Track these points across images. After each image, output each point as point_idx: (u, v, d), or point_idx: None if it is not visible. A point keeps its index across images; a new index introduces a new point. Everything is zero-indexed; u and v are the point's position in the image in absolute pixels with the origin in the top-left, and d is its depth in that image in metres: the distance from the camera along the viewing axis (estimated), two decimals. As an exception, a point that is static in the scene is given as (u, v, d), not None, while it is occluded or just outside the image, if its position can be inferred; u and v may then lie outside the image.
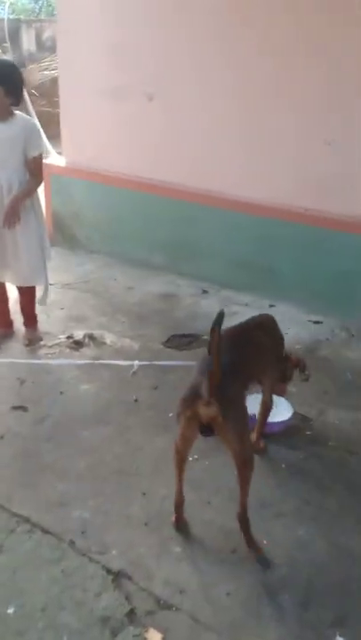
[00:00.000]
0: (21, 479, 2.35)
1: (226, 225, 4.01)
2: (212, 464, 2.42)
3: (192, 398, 1.92)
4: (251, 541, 2.05)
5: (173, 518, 2.16)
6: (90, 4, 4.09)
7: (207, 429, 1.93)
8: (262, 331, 2.41)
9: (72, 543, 2.05)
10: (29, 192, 3.07)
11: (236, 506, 2.03)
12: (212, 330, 1.80)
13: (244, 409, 2.04)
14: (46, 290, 3.40)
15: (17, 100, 2.96)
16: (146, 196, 4.24)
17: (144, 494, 2.31)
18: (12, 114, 2.96)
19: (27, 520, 2.14)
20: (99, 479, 2.37)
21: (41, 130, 6.48)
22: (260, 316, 2.55)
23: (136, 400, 2.89)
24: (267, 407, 2.52)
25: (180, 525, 2.15)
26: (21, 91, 2.97)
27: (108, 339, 3.46)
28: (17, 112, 2.99)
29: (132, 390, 2.96)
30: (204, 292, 4.14)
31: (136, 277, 4.32)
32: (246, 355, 2.19)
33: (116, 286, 4.19)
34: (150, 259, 4.42)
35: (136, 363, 3.19)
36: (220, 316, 1.80)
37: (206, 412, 1.89)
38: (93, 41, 4.16)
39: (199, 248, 4.19)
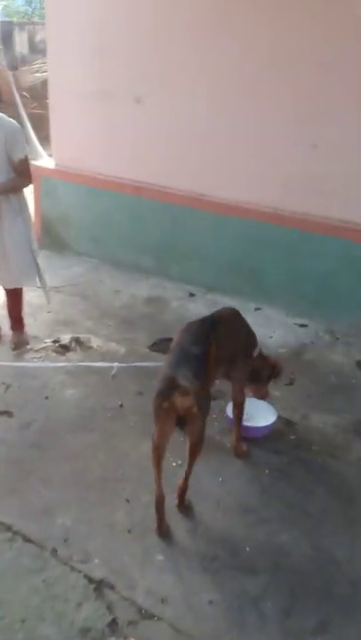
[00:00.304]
0: (5, 485, 2.34)
1: (213, 228, 4.00)
2: (194, 470, 2.41)
3: (168, 390, 2.01)
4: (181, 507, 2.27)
5: (156, 524, 2.16)
6: (78, 8, 4.08)
7: (182, 421, 2.04)
8: (224, 324, 2.44)
9: (54, 552, 2.04)
10: (12, 188, 3.04)
11: (220, 512, 2.04)
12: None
13: (210, 400, 2.21)
14: (47, 290, 3.41)
15: None
16: (134, 198, 4.24)
17: (128, 501, 2.31)
18: None
19: (8, 528, 2.13)
20: (83, 486, 2.37)
21: (31, 132, 6.53)
22: (223, 309, 2.59)
23: (121, 405, 2.88)
24: (236, 404, 2.56)
25: (163, 531, 2.16)
26: None
27: (95, 343, 3.45)
28: (0, 114, 2.96)
29: (118, 396, 2.95)
30: (191, 295, 4.13)
31: (124, 280, 4.31)
32: (210, 347, 2.24)
33: (103, 289, 4.18)
34: (138, 261, 4.41)
35: (116, 364, 3.18)
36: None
37: (182, 402, 1.99)
38: (81, 44, 4.14)
39: (186, 251, 4.19)
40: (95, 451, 2.55)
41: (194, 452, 2.17)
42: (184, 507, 2.28)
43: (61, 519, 2.19)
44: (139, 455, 2.51)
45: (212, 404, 2.85)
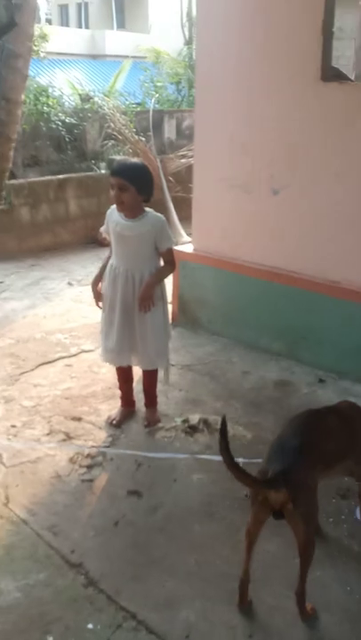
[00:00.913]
0: (131, 571, 2.42)
1: (347, 315, 3.97)
2: (319, 576, 2.34)
3: (261, 483, 2.04)
4: (304, 614, 2.17)
5: (237, 601, 2.22)
6: (223, 102, 4.39)
7: (279, 513, 2.03)
8: (338, 417, 2.37)
9: (176, 648, 2.06)
10: (161, 277, 3.27)
11: (347, 624, 1.97)
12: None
13: (314, 494, 2.12)
14: (167, 371, 3.57)
15: (149, 198, 3.17)
16: (268, 283, 4.34)
17: (251, 602, 2.27)
18: (143, 211, 3.17)
19: (133, 616, 2.18)
20: (207, 580, 2.37)
21: (174, 214, 6.99)
22: (342, 401, 2.55)
23: (246, 495, 2.86)
24: None
25: (244, 607, 2.21)
26: (152, 189, 3.18)
27: (223, 426, 3.50)
28: (148, 210, 3.20)
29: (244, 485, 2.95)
30: (321, 380, 4.08)
31: (253, 362, 4.37)
32: (317, 439, 2.21)
33: (232, 370, 4.26)
34: (269, 344, 4.46)
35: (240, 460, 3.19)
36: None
37: (276, 497, 1.99)
38: (226, 138, 4.43)
39: (318, 336, 4.17)
40: (220, 543, 2.56)
41: (302, 556, 2.10)
42: (307, 614, 2.19)
43: (184, 613, 2.21)
44: (263, 554, 2.46)
45: (341, 503, 2.79)
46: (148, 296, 3.16)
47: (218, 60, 4.38)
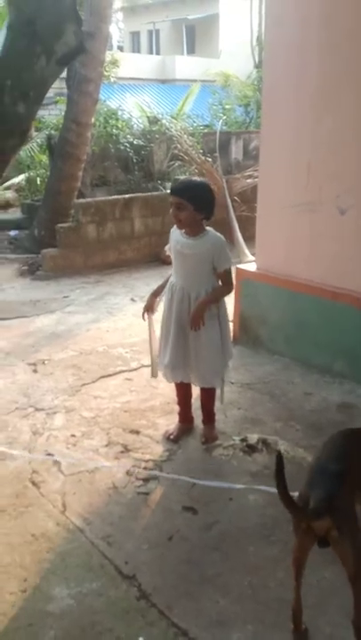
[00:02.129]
0: (183, 587, 2.39)
1: None
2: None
3: (303, 511, 1.96)
4: None
5: (291, 628, 2.13)
6: (289, 121, 4.38)
7: (324, 541, 1.96)
8: None
9: (226, 670, 2.01)
10: (216, 298, 3.25)
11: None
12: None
13: (357, 520, 2.03)
14: (223, 389, 3.52)
15: (208, 216, 3.17)
16: (330, 303, 4.26)
17: (306, 630, 2.19)
18: (203, 230, 3.17)
19: (185, 634, 2.15)
20: (260, 603, 2.31)
21: (239, 233, 7.01)
22: None
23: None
24: None
25: (299, 634, 2.12)
26: (212, 207, 3.17)
27: (282, 446, 3.43)
28: (208, 229, 3.21)
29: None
30: (387, 405, 3.94)
31: (315, 383, 4.27)
32: (358, 462, 2.13)
33: (293, 390, 4.18)
34: (331, 365, 4.36)
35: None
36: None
37: (319, 525, 1.92)
38: (291, 156, 4.42)
39: (384, 359, 4.04)
40: (275, 566, 2.49)
41: (354, 584, 2.01)
42: None
43: (236, 635, 2.16)
44: (319, 581, 2.39)
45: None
46: (200, 315, 3.15)
47: (284, 79, 4.39)
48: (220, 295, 3.30)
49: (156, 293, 3.44)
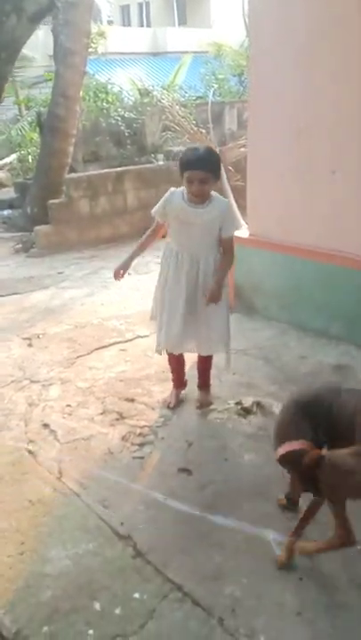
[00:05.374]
0: (179, 544, 2.41)
1: None
2: None
3: None
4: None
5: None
6: (278, 84, 4.29)
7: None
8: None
9: (221, 621, 2.03)
10: (227, 271, 3.19)
11: None
12: None
13: None
14: (228, 355, 3.46)
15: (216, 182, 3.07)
16: (326, 266, 4.22)
17: (301, 580, 2.22)
18: (210, 197, 3.06)
19: (179, 588, 2.17)
20: (255, 557, 2.33)
21: (233, 203, 6.91)
22: None
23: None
24: None
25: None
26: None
27: (276, 409, 3.42)
28: (213, 194, 3.08)
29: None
30: (383, 364, 3.93)
31: (311, 346, 4.26)
32: None
33: (289, 354, 4.17)
34: (327, 328, 4.34)
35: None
36: None
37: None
38: (281, 119, 4.33)
39: (379, 319, 4.02)
40: (270, 522, 2.51)
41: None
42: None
43: (230, 588, 2.18)
44: (316, 533, 2.40)
45: None
46: (220, 294, 3.11)
47: (271, 39, 4.28)
48: (228, 267, 3.22)
49: (133, 256, 3.34)
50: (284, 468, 2.30)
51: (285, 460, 2.16)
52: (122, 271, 3.32)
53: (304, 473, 2.07)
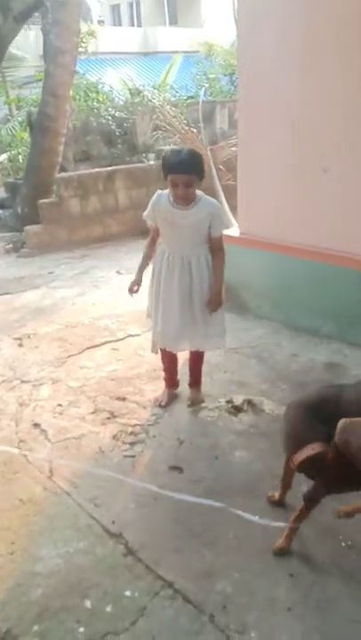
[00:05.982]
0: (171, 543, 2.41)
1: None
2: None
3: None
4: None
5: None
6: (271, 80, 4.27)
7: None
8: None
9: (212, 617, 2.04)
10: (222, 273, 3.25)
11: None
12: None
13: None
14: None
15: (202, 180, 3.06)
16: (317, 265, 4.23)
17: (291, 576, 2.22)
18: (195, 197, 3.04)
19: (170, 585, 2.18)
20: (247, 554, 2.34)
21: (225, 202, 6.91)
22: None
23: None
24: None
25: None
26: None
27: (267, 406, 3.44)
28: (199, 194, 3.07)
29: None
30: (374, 362, 3.95)
31: (302, 344, 4.27)
32: None
33: (280, 352, 4.18)
34: (318, 326, 4.35)
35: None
36: None
37: None
38: (273, 116, 4.32)
39: (370, 317, 4.04)
40: (261, 518, 2.51)
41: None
42: None
43: (222, 585, 2.19)
44: (307, 529, 2.41)
45: None
46: (220, 301, 3.19)
47: (264, 38, 4.28)
48: (222, 269, 3.25)
49: (142, 268, 3.35)
50: (305, 475, 2.24)
51: (306, 466, 2.11)
52: (135, 287, 3.35)
53: (332, 470, 2.02)
